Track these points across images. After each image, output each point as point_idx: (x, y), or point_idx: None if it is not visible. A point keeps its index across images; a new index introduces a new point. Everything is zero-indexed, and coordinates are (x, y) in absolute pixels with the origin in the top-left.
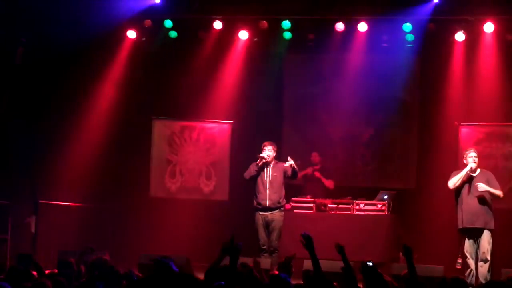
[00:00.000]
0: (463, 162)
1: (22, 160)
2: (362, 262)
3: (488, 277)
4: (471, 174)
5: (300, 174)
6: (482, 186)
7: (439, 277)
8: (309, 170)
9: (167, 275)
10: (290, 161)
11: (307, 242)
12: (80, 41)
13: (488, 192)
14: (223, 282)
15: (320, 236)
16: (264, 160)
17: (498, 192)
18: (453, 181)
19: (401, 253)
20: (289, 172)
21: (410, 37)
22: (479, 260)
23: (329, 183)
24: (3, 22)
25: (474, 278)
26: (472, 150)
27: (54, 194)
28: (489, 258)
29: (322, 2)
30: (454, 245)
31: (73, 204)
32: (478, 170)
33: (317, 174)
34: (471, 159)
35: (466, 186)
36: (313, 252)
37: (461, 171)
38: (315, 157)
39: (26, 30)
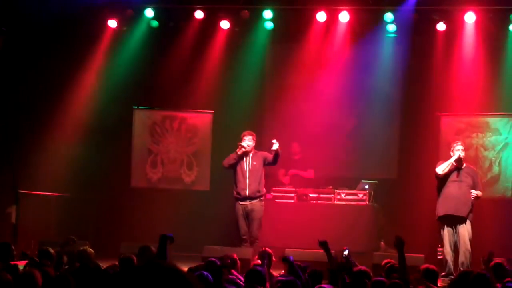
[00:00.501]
0: (450, 154)
1: (2, 150)
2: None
3: (469, 266)
4: (458, 166)
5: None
6: (474, 193)
7: (463, 272)
8: (283, 175)
9: (148, 269)
10: (276, 144)
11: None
12: (60, 29)
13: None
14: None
15: (302, 225)
16: (243, 149)
17: (479, 193)
18: (442, 168)
19: (382, 242)
20: (270, 158)
21: (391, 28)
22: (459, 249)
23: (308, 174)
24: None
25: (452, 267)
26: (459, 143)
27: (35, 184)
28: (469, 247)
29: None
30: (435, 234)
31: (53, 194)
32: (464, 165)
33: (293, 172)
34: (458, 152)
35: (452, 176)
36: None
37: (448, 160)
38: (295, 147)
39: (6, 17)
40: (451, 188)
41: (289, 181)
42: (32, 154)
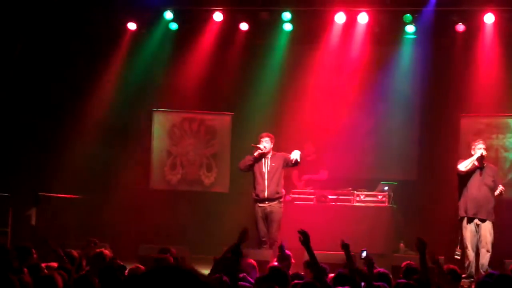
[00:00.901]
0: (471, 153)
1: (23, 153)
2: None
3: (488, 269)
4: (480, 166)
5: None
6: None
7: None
8: (297, 178)
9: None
10: (296, 154)
11: (304, 238)
12: (80, 32)
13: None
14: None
15: (321, 227)
16: (260, 151)
17: (504, 189)
18: (465, 164)
19: (402, 244)
20: (290, 161)
21: (411, 29)
22: (480, 251)
23: (321, 176)
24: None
25: (474, 269)
26: (481, 141)
27: (55, 186)
28: (490, 249)
29: None
30: (454, 236)
31: (73, 196)
32: (486, 164)
33: (306, 177)
34: (480, 150)
35: (474, 176)
36: (309, 248)
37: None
38: (308, 148)
39: (26, 23)
40: (472, 190)
41: (303, 186)
42: (52, 156)
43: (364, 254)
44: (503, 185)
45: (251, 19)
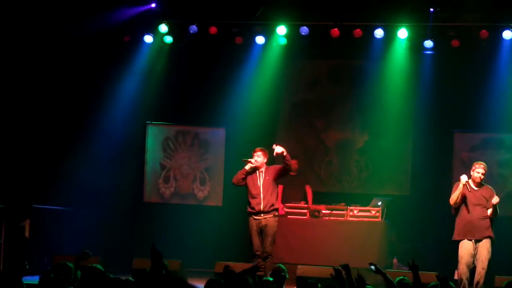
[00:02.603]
0: (470, 173)
1: (16, 164)
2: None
3: (483, 287)
4: (474, 188)
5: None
6: (495, 199)
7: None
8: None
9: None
10: (278, 148)
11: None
12: (75, 45)
13: (493, 207)
14: None
15: (314, 242)
16: (251, 165)
17: (497, 199)
18: (453, 198)
19: (395, 259)
20: (279, 167)
21: (405, 44)
22: (476, 268)
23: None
24: None
25: (467, 286)
26: (481, 166)
27: (48, 198)
28: (486, 267)
29: (317, 8)
30: (448, 251)
31: (66, 208)
32: (484, 185)
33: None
34: (478, 174)
35: (468, 200)
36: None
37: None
38: (294, 164)
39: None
40: (464, 213)
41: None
42: (45, 168)
43: (373, 267)
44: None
45: (245, 33)
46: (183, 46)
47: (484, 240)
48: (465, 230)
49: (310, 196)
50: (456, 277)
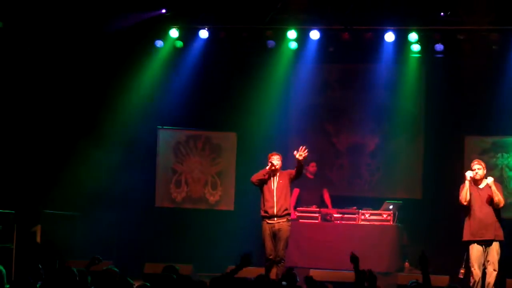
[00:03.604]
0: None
1: (27, 169)
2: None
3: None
4: (478, 186)
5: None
6: (490, 179)
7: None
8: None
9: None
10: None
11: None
12: (86, 48)
13: (492, 193)
14: None
15: (326, 246)
16: (273, 168)
17: (499, 197)
18: (463, 196)
19: (407, 262)
20: (293, 172)
21: (416, 47)
22: (487, 269)
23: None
24: None
25: None
26: (475, 162)
27: (59, 203)
28: (497, 268)
29: (327, 12)
30: (459, 255)
31: (78, 213)
32: (485, 182)
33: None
34: (474, 172)
35: (474, 198)
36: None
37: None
38: (312, 167)
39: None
40: (475, 212)
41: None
42: (56, 173)
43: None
44: (508, 205)
45: (256, 37)
46: (194, 50)
47: (494, 243)
48: (475, 229)
49: (328, 200)
50: (460, 276)
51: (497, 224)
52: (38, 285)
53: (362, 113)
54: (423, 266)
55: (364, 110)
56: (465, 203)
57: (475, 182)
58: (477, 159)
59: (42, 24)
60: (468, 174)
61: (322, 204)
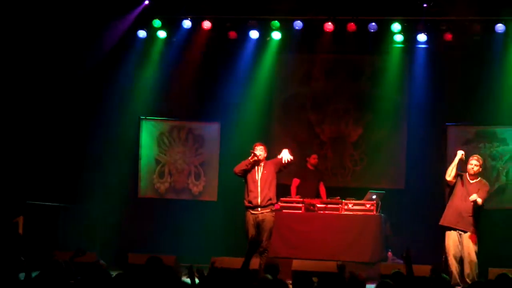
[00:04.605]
0: (467, 168)
1: (9, 160)
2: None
3: (476, 278)
4: (470, 181)
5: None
6: (473, 197)
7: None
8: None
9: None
10: (286, 156)
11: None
12: (72, 40)
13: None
14: None
15: (309, 236)
16: (256, 158)
17: (479, 200)
18: (448, 171)
19: (390, 252)
20: (281, 165)
21: (399, 38)
22: (464, 260)
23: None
24: None
25: (458, 279)
26: (475, 158)
27: (42, 194)
28: (475, 258)
29: (312, 2)
30: (442, 244)
31: (60, 204)
32: (480, 179)
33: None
34: (470, 166)
35: (460, 189)
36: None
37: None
38: (314, 159)
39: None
40: (456, 201)
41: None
42: (39, 164)
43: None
44: (490, 195)
45: (239, 27)
46: (177, 41)
47: (468, 233)
48: (452, 217)
49: (323, 192)
50: (442, 266)
51: (473, 218)
52: (21, 276)
53: (345, 104)
54: (408, 264)
55: (347, 101)
56: (448, 178)
57: (469, 176)
58: (477, 155)
59: (30, 21)
60: (460, 152)
61: (318, 196)
